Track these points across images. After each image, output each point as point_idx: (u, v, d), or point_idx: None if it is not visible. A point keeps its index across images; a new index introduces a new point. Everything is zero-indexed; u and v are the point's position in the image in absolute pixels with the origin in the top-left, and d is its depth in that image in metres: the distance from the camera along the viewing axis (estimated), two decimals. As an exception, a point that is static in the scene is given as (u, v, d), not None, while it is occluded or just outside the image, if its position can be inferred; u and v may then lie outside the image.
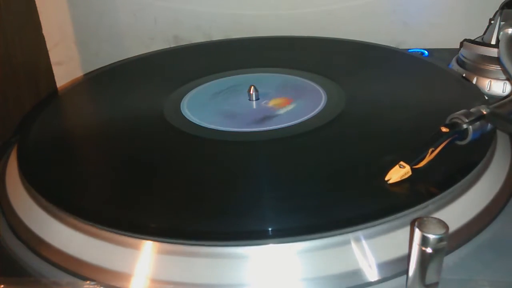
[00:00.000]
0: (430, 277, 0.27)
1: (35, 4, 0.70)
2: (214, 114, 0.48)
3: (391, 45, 0.65)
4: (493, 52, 0.52)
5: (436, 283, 0.27)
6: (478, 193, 0.36)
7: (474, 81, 0.53)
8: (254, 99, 0.50)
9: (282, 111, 0.47)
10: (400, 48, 0.67)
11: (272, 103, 0.49)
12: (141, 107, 0.51)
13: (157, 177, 0.39)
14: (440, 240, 0.26)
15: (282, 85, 0.53)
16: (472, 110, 0.38)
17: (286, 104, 0.49)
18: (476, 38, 0.57)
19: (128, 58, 0.63)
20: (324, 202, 0.34)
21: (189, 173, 0.39)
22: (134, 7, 0.75)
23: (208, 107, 0.49)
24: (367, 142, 0.42)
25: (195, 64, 0.61)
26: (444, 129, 0.36)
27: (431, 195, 0.34)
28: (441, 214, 0.33)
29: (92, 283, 0.31)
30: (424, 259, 0.26)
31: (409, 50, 0.63)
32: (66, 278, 0.33)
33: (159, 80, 0.57)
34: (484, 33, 0.57)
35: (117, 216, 0.34)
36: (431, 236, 0.25)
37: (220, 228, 0.33)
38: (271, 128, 0.44)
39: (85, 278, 0.32)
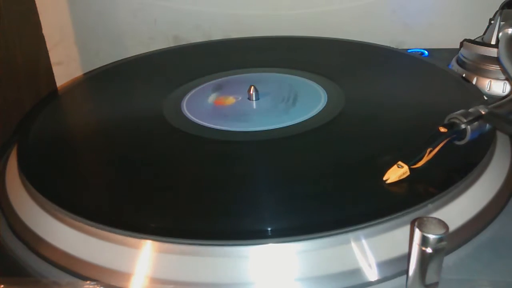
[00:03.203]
0: (430, 277, 0.27)
1: (35, 4, 0.70)
2: (214, 114, 0.48)
3: (391, 45, 0.65)
4: (493, 52, 0.52)
5: (436, 283, 0.27)
6: (478, 193, 0.36)
7: (474, 81, 0.53)
8: (254, 99, 0.50)
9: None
10: (400, 48, 0.67)
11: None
12: (141, 107, 0.51)
13: (157, 176, 0.39)
14: (440, 240, 0.26)
15: (282, 85, 0.53)
16: (470, 110, 0.38)
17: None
18: (476, 38, 0.57)
19: (128, 58, 0.63)
20: (324, 202, 0.34)
21: (189, 173, 0.39)
22: (134, 7, 0.75)
23: (208, 107, 0.49)
24: (366, 142, 0.42)
25: (195, 64, 0.61)
26: (442, 129, 0.36)
27: (430, 195, 0.34)
28: (441, 214, 0.33)
29: (92, 283, 0.31)
30: (424, 259, 0.26)
31: (409, 50, 0.63)
32: (66, 278, 0.33)
33: (159, 80, 0.57)
34: (484, 33, 0.57)
35: (117, 216, 0.34)
36: (431, 236, 0.25)
37: (220, 228, 0.33)
38: (271, 128, 0.44)
39: (85, 278, 0.32)
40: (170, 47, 0.69)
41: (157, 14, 0.75)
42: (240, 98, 0.50)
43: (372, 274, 0.31)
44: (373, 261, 0.31)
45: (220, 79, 0.56)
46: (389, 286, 0.31)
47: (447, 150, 0.36)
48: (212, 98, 0.50)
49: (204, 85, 0.54)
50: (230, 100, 0.50)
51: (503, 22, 0.51)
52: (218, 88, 0.52)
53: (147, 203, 0.36)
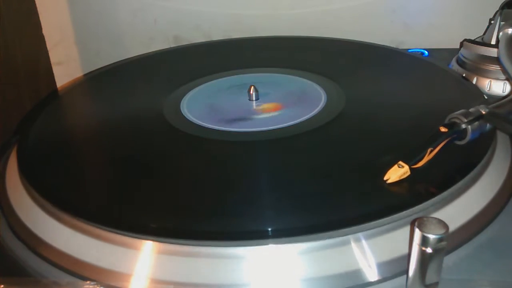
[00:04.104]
0: (430, 277, 0.27)
1: (35, 4, 0.70)
2: (214, 114, 0.48)
3: (391, 45, 0.65)
4: (493, 52, 0.52)
5: (436, 283, 0.27)
6: (478, 193, 0.36)
7: (474, 81, 0.53)
8: (254, 99, 0.50)
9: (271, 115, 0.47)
10: (400, 48, 0.67)
11: (262, 107, 0.49)
12: (141, 107, 0.51)
13: (157, 177, 0.39)
14: (440, 240, 0.26)
15: (282, 85, 0.53)
16: (471, 110, 0.38)
17: (275, 110, 0.48)
18: (476, 38, 0.57)
19: (128, 58, 0.63)
20: (324, 202, 0.34)
21: (189, 173, 0.39)
22: (134, 7, 0.75)
23: (208, 107, 0.49)
24: (367, 142, 0.42)
25: (195, 64, 0.61)
26: (443, 129, 0.36)
27: (431, 195, 0.34)
28: (441, 214, 0.33)
29: (92, 283, 0.31)
30: (424, 259, 0.26)
31: (409, 50, 0.63)
32: (66, 278, 0.33)
33: (159, 80, 0.57)
34: (484, 33, 0.57)
35: (117, 216, 0.34)
36: (431, 236, 0.25)
37: (220, 228, 0.33)
38: (271, 128, 0.44)
39: (85, 278, 0.32)
40: (170, 47, 0.69)
41: (157, 14, 0.75)
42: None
43: (372, 274, 0.31)
44: (373, 262, 0.31)
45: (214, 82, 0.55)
46: (389, 286, 0.31)
47: (447, 150, 0.36)
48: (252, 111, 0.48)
49: (204, 85, 0.54)
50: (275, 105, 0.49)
51: (503, 22, 0.51)
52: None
53: (147, 204, 0.36)
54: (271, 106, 0.49)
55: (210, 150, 0.43)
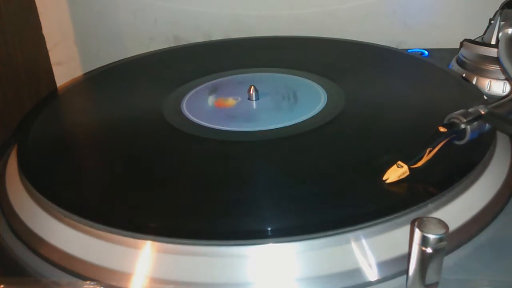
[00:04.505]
0: (430, 277, 0.27)
1: (35, 4, 0.70)
2: (214, 114, 0.48)
3: (391, 45, 0.65)
4: (493, 52, 0.52)
5: (436, 283, 0.27)
6: (478, 193, 0.36)
7: (474, 81, 0.53)
8: (254, 99, 0.50)
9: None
10: (400, 48, 0.67)
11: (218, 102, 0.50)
12: (141, 107, 0.51)
13: (157, 177, 0.39)
14: (440, 240, 0.26)
15: (281, 85, 0.53)
16: (470, 110, 0.38)
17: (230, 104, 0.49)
18: (476, 38, 0.57)
19: (128, 58, 0.63)
20: (323, 202, 0.34)
21: (189, 173, 0.39)
22: (134, 7, 0.75)
23: (208, 107, 0.49)
24: (366, 142, 0.42)
25: (195, 64, 0.61)
26: (442, 129, 0.36)
27: (430, 195, 0.34)
28: (440, 214, 0.33)
29: (92, 283, 0.31)
30: (424, 259, 0.26)
31: (409, 50, 0.63)
32: (66, 278, 0.33)
33: (159, 80, 0.57)
34: (484, 33, 0.57)
35: (117, 216, 0.34)
36: (431, 236, 0.25)
37: (220, 228, 0.33)
38: (270, 128, 0.44)
39: (85, 278, 0.32)
40: (170, 47, 0.69)
41: (157, 14, 0.75)
42: (240, 99, 0.50)
43: (372, 274, 0.31)
44: (373, 261, 0.31)
45: (215, 81, 0.55)
46: (389, 286, 0.31)
47: (447, 150, 0.36)
48: (211, 100, 0.50)
49: (204, 85, 0.54)
50: (231, 101, 0.50)
51: (503, 22, 0.51)
52: (214, 90, 0.52)
53: (147, 203, 0.36)
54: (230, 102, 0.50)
55: (210, 150, 0.43)
